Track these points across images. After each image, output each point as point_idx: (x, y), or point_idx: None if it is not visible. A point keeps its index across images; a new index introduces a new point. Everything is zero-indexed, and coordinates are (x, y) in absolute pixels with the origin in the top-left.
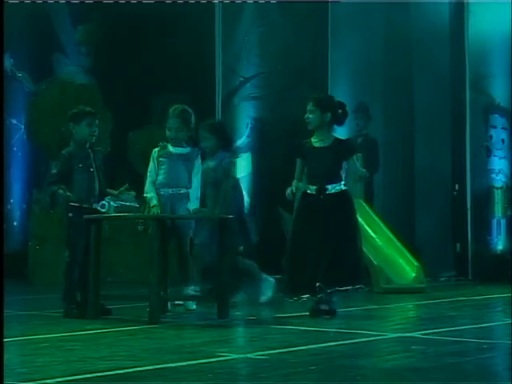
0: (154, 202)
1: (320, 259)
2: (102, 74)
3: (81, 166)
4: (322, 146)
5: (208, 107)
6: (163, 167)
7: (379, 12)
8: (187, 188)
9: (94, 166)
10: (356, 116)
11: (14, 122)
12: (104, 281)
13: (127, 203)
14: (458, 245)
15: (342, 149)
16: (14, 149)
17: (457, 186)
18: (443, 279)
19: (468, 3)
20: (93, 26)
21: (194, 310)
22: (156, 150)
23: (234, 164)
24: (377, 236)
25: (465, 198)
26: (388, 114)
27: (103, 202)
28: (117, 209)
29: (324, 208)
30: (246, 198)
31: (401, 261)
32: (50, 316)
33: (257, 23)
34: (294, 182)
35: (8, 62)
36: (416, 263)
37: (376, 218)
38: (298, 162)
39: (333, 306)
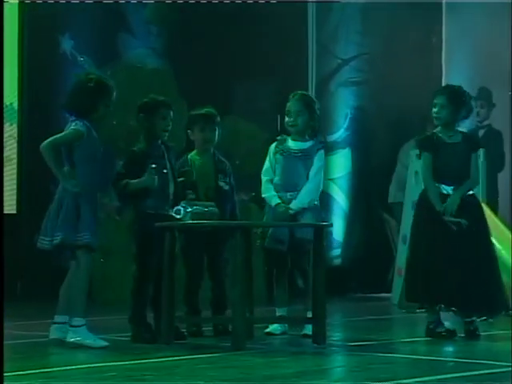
0: (276, 200)
1: (450, 272)
2: (176, 58)
3: (153, 165)
4: (455, 141)
5: None
6: (279, 166)
7: None
8: None
9: (168, 165)
10: (476, 104)
11: None
12: (179, 300)
13: (206, 208)
14: None
15: (471, 144)
16: None
17: None
18: None
19: None
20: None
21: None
22: (274, 144)
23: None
24: (503, 247)
25: None
26: None
27: (178, 207)
28: (194, 215)
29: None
30: (344, 201)
31: None
32: (116, 340)
33: None
34: (427, 180)
35: (68, 44)
36: None
37: (501, 225)
38: (428, 156)
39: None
